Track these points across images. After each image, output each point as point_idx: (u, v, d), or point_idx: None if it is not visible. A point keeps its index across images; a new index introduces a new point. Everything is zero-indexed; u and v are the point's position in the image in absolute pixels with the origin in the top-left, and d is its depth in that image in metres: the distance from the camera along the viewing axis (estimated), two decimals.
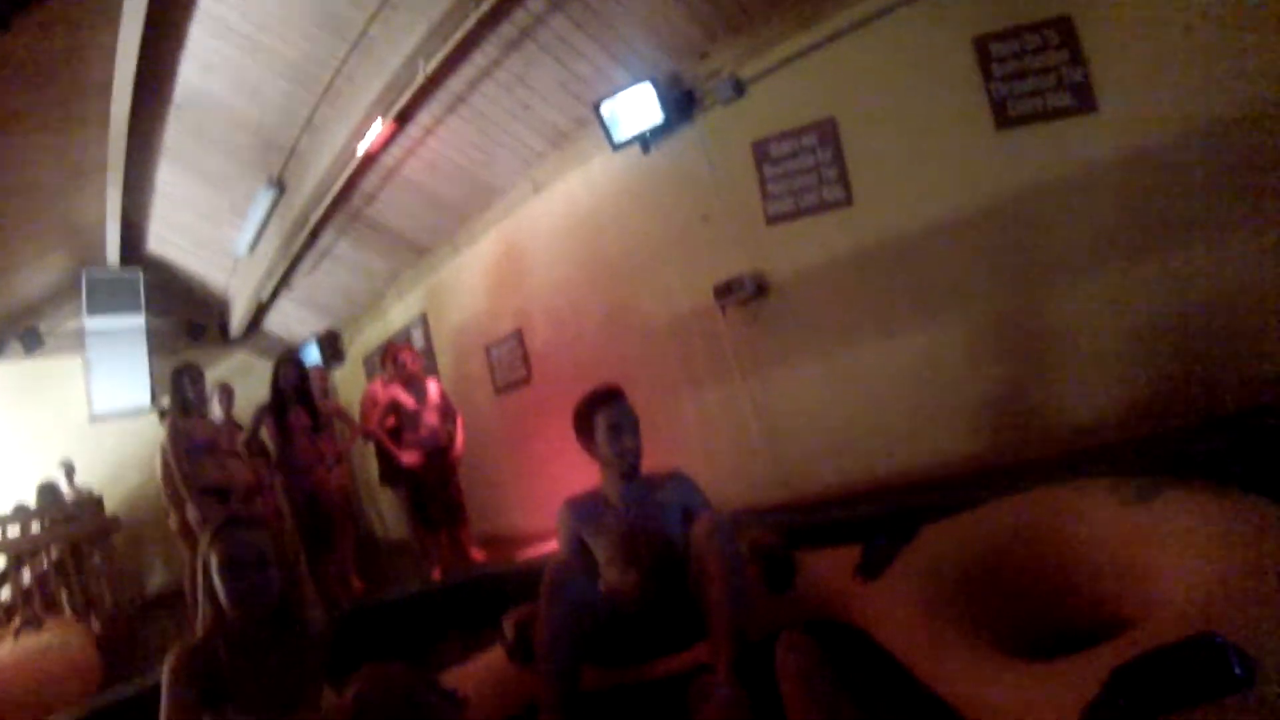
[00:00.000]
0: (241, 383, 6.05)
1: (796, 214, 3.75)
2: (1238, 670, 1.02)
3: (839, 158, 3.59)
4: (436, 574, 4.52)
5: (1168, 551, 1.42)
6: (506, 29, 4.13)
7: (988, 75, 3.18)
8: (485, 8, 3.81)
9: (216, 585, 1.67)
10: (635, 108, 4.09)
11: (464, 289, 6.02)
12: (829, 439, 3.81)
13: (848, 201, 3.58)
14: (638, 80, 4.06)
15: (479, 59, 4.36)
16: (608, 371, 4.37)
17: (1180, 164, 2.84)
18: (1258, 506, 1.42)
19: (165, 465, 4.76)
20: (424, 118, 4.80)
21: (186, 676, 1.59)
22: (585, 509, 2.29)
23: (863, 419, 3.70)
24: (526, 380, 5.54)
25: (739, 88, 3.91)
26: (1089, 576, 1.60)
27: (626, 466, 2.24)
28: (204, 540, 1.72)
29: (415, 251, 6.20)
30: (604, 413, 2.24)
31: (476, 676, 2.21)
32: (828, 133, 3.61)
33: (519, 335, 5.52)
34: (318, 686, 1.72)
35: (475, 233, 5.69)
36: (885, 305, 3.59)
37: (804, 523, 2.80)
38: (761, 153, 3.82)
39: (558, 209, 5.01)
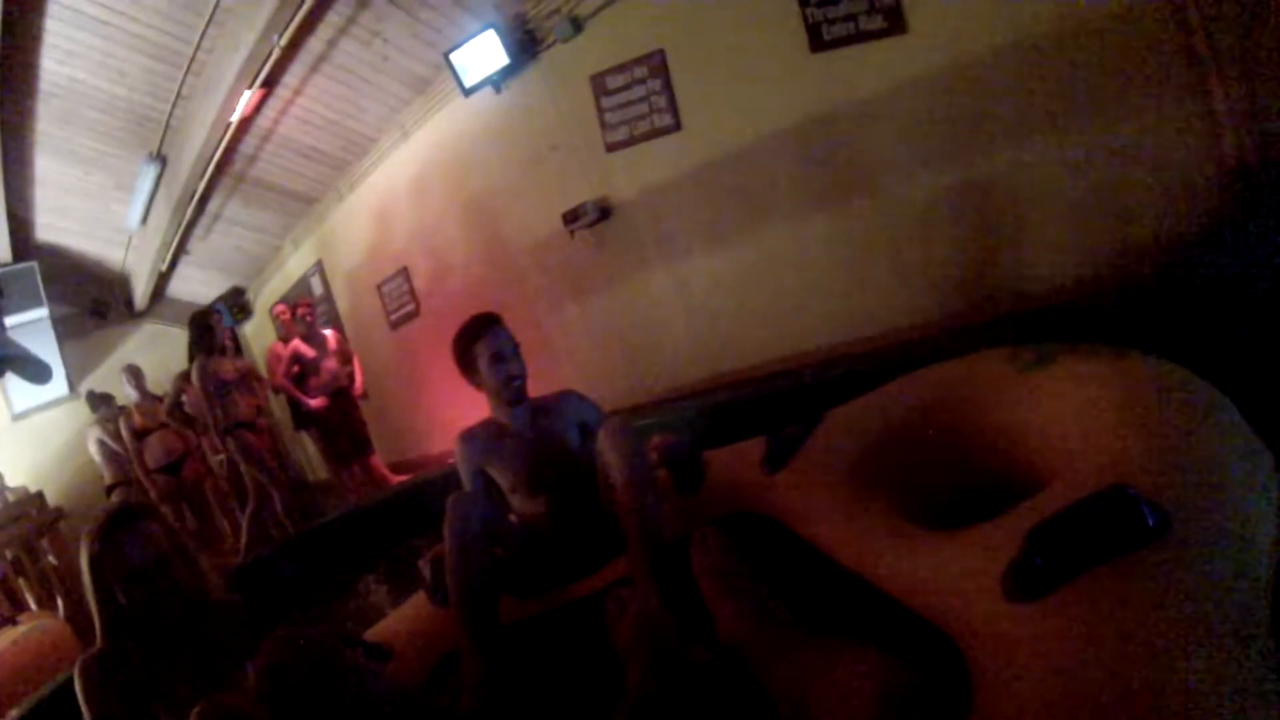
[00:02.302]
0: (153, 352, 6.82)
1: (632, 141, 4.48)
2: (1151, 521, 1.07)
3: (668, 87, 4.33)
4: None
5: (1070, 414, 1.49)
6: None
7: (804, 2, 3.72)
8: None
9: (115, 593, 1.63)
10: (483, 53, 4.73)
11: (353, 234, 6.70)
12: (677, 343, 4.64)
13: (677, 127, 4.35)
14: (485, 22, 4.68)
15: (333, 19, 4.91)
16: (483, 299, 5.19)
17: (985, 80, 3.36)
18: (1155, 366, 1.50)
19: (101, 445, 5.55)
20: (290, 79, 5.37)
21: (100, 686, 1.57)
22: (482, 439, 2.34)
23: (704, 324, 4.53)
24: (415, 314, 6.36)
25: (577, 25, 4.57)
26: (994, 445, 1.67)
27: (512, 393, 2.30)
28: (86, 544, 1.65)
29: (303, 203, 6.84)
30: (484, 342, 2.29)
31: (403, 623, 2.33)
32: (657, 64, 4.32)
33: (405, 272, 6.31)
34: (240, 666, 1.65)
35: (356, 180, 6.33)
36: (719, 218, 4.34)
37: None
38: (598, 86, 4.55)
39: (426, 151, 5.67)
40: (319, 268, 7.24)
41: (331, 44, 5.13)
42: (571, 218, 4.76)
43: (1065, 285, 3.39)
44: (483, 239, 5.57)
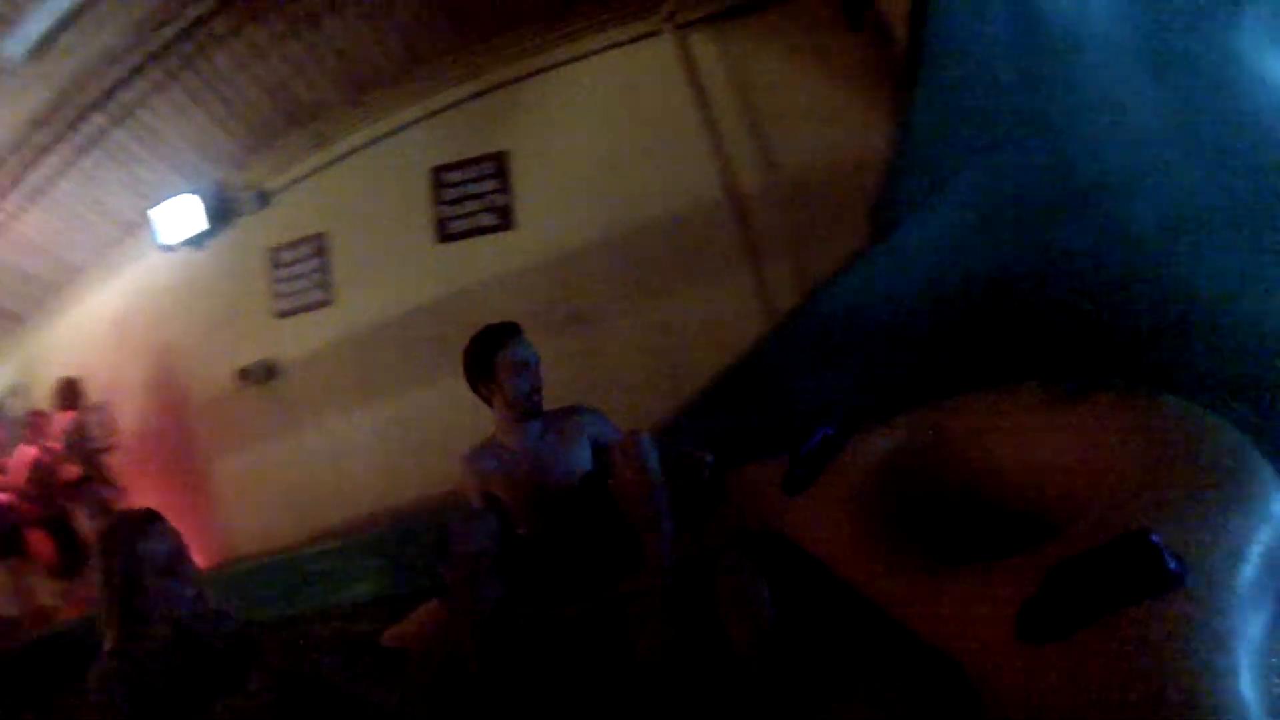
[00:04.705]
0: None
1: (295, 311, 5.12)
2: (1173, 568, 1.09)
3: (326, 266, 4.99)
4: None
5: (1095, 453, 1.51)
6: (77, 139, 5.26)
7: (438, 199, 4.62)
8: (62, 121, 4.95)
9: (139, 589, 1.68)
10: (183, 214, 5.29)
11: (59, 359, 6.93)
12: (329, 488, 5.13)
13: (329, 302, 5.00)
14: (191, 184, 5.29)
15: (54, 160, 5.44)
16: (161, 441, 5.60)
17: (581, 267, 4.30)
18: (1184, 411, 1.54)
19: None
20: (9, 205, 5.81)
21: (119, 691, 1.60)
22: (487, 460, 2.33)
23: (351, 470, 5.07)
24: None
25: (264, 199, 5.22)
26: (1018, 479, 1.69)
27: (533, 406, 2.29)
28: (113, 540, 1.73)
29: (9, 319, 7.07)
30: (508, 350, 2.28)
31: (420, 625, 2.36)
32: (319, 245, 5.01)
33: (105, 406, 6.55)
34: (242, 679, 1.72)
35: (65, 305, 6.64)
36: (367, 381, 4.97)
37: None
38: (275, 258, 5.16)
39: (130, 293, 6.12)
40: (21, 388, 7.36)
41: (50, 180, 5.58)
42: (243, 375, 5.25)
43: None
44: (171, 384, 5.95)
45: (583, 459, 2.31)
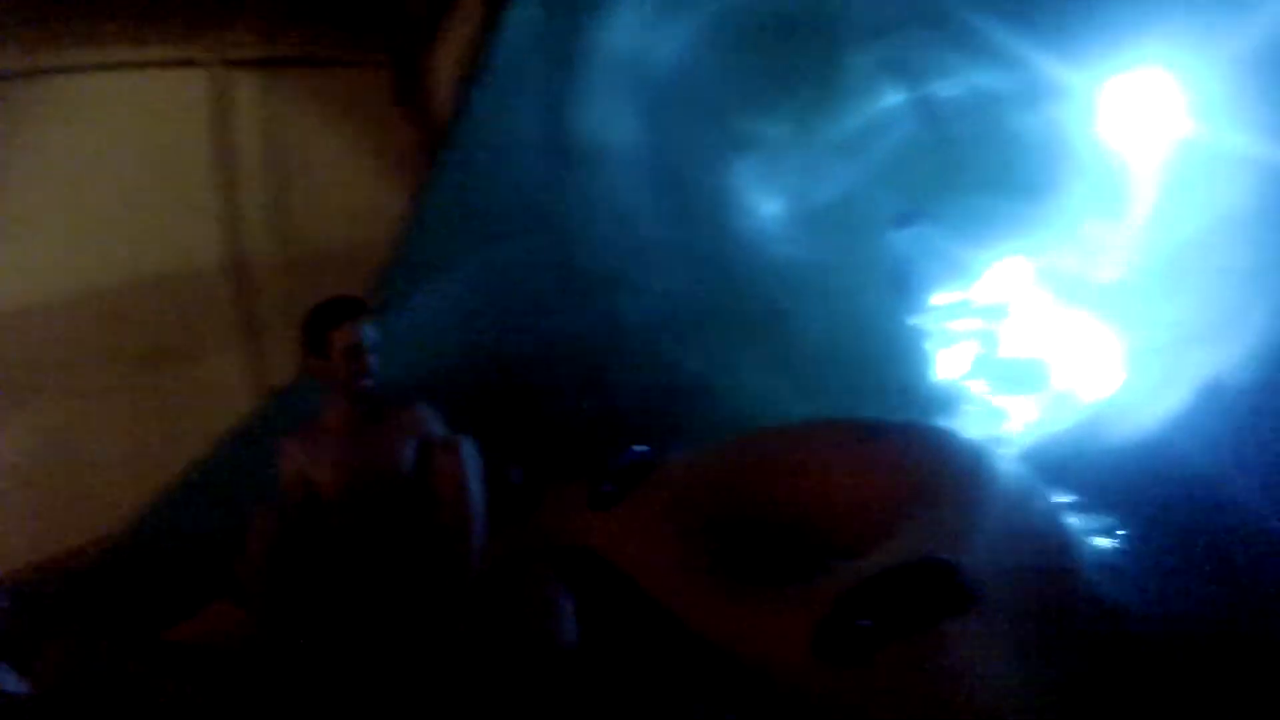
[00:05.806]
0: None
1: None
2: (970, 588, 1.18)
3: None
4: None
5: (886, 483, 1.67)
6: None
7: None
8: None
9: None
10: None
11: None
12: None
13: None
14: None
15: None
16: None
17: (47, 328, 3.68)
18: (971, 446, 1.78)
19: None
20: None
21: None
22: (308, 445, 2.22)
23: None
24: None
25: None
26: (822, 506, 1.83)
27: (360, 390, 2.18)
28: None
29: None
30: (344, 331, 2.15)
31: (207, 624, 2.33)
32: None
33: None
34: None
35: None
36: None
37: None
38: None
39: None
40: None
41: None
42: None
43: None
44: None
45: (408, 457, 2.30)
